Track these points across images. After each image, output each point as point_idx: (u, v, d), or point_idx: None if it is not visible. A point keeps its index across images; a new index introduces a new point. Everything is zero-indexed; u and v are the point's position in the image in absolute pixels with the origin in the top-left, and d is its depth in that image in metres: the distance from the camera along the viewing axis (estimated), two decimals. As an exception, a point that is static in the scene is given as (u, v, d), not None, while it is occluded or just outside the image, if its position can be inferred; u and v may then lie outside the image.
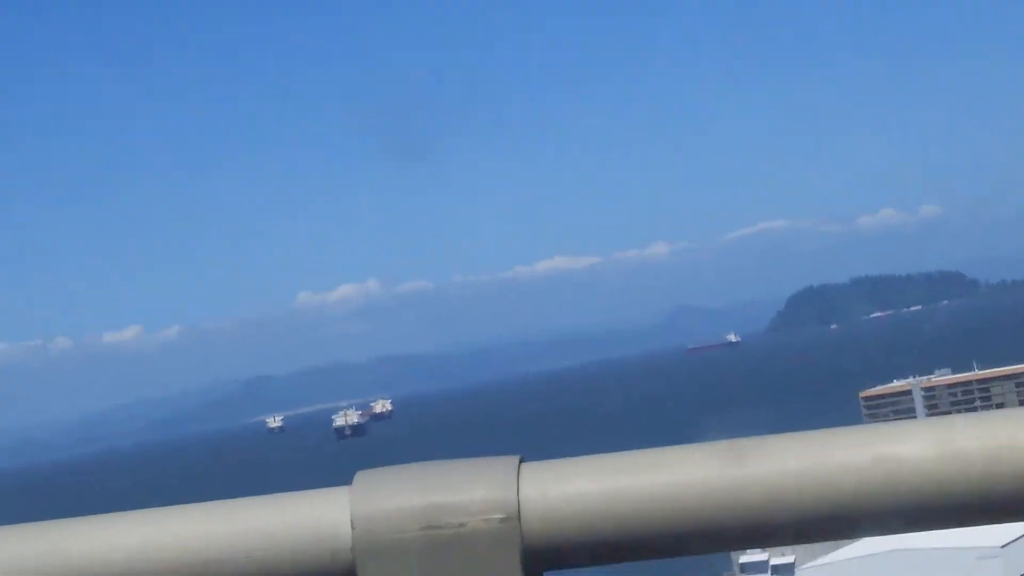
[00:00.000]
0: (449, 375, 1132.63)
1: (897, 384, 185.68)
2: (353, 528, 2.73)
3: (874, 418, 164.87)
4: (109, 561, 2.72)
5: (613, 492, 2.71)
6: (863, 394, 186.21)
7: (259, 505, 2.81)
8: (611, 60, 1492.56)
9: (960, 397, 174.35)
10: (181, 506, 2.82)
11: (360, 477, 2.79)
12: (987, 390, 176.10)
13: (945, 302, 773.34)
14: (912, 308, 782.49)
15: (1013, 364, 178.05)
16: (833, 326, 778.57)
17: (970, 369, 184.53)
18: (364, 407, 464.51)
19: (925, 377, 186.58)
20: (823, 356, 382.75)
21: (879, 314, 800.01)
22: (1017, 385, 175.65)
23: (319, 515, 2.76)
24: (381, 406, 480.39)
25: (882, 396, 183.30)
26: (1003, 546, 77.19)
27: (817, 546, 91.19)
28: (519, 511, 2.72)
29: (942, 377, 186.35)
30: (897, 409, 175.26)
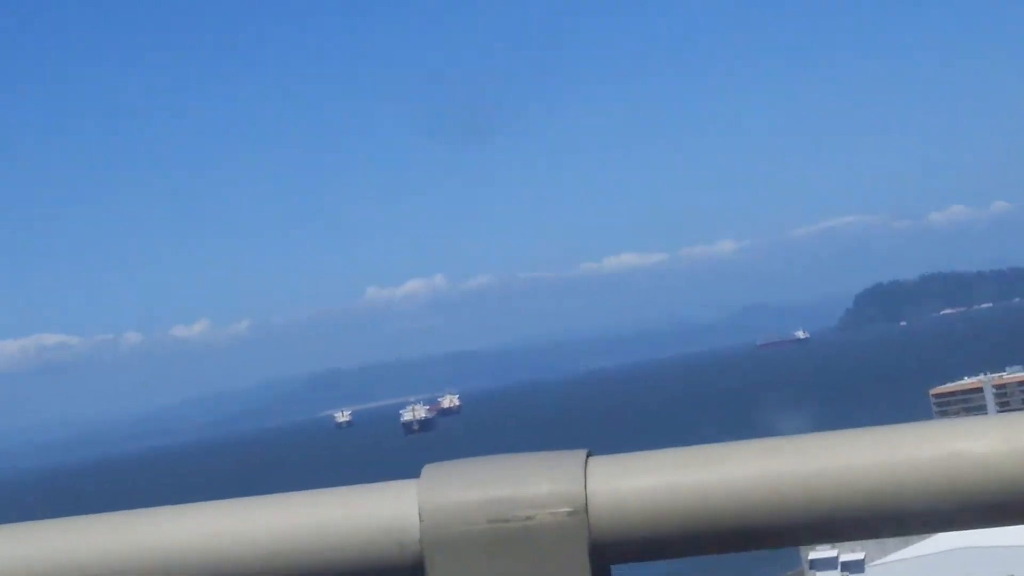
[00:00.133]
0: (516, 371, 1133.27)
1: (968, 381, 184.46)
2: (421, 520, 2.73)
3: (944, 415, 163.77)
4: (181, 551, 2.76)
5: (681, 486, 2.70)
6: (933, 391, 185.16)
7: (328, 497, 2.83)
8: (675, 53, 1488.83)
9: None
10: (251, 498, 2.86)
11: (428, 470, 2.80)
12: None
13: (1017, 299, 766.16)
14: (983, 305, 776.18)
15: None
16: (902, 323, 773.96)
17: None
18: (432, 402, 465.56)
19: (996, 374, 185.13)
20: (893, 353, 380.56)
21: (949, 311, 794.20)
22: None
23: (388, 507, 2.77)
24: (449, 401, 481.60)
25: (952, 393, 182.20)
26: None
27: (888, 542, 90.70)
28: (587, 505, 2.71)
29: (1014, 374, 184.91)
30: (968, 406, 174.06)
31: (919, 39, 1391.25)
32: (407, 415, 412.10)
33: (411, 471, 2.83)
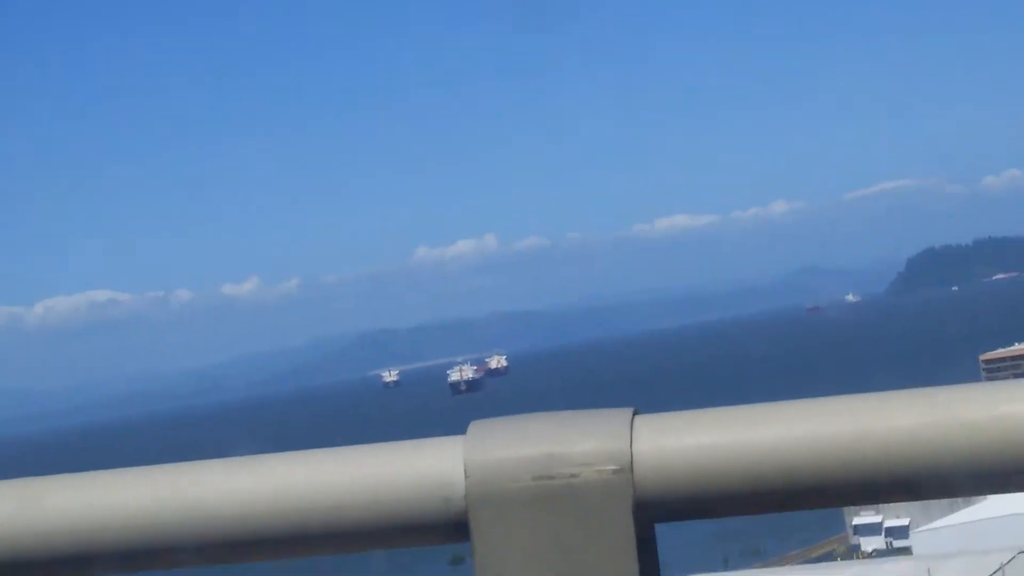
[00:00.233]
0: (565, 332, 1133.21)
1: (1018, 347, 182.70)
2: (467, 476, 2.73)
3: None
4: (233, 503, 2.80)
5: (726, 446, 2.68)
6: (983, 357, 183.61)
7: (375, 452, 2.84)
8: (730, 16, 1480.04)
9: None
10: (296, 452, 2.89)
11: (474, 427, 2.80)
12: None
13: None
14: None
15: None
16: (954, 288, 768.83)
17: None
18: (479, 362, 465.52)
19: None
20: (944, 318, 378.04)
21: (1001, 276, 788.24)
22: None
23: (434, 463, 2.77)
24: (496, 362, 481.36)
25: (1003, 359, 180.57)
26: None
27: (933, 508, 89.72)
28: (632, 463, 2.70)
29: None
30: (1018, 372, 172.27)
31: (974, 6, 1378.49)
32: (454, 375, 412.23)
33: (456, 431, 2.83)
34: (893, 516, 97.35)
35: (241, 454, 2.89)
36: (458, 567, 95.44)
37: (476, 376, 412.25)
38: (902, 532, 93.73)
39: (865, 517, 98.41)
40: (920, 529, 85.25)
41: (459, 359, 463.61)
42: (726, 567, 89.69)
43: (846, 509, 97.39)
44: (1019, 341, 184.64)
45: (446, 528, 2.78)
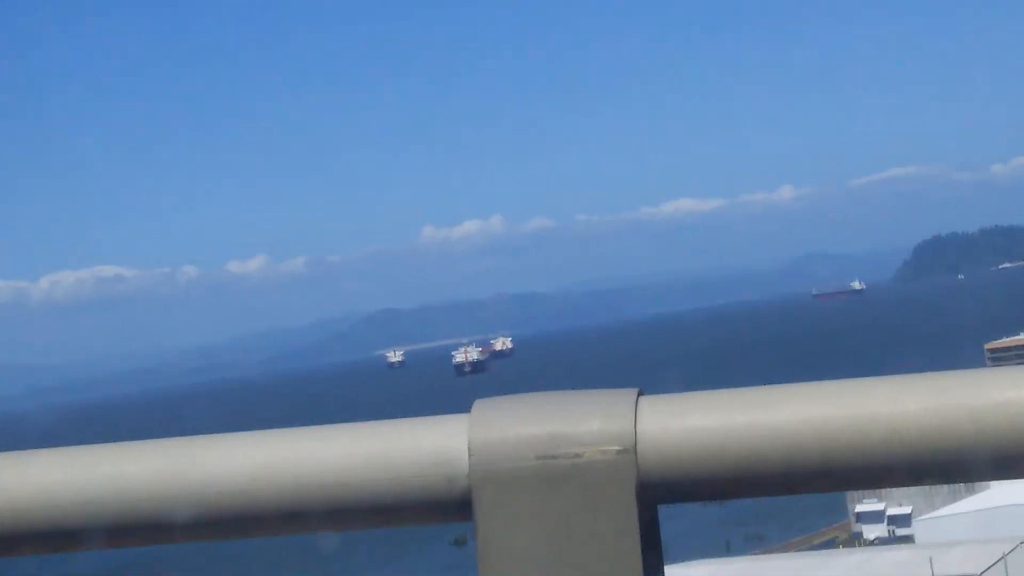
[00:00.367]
0: (571, 314, 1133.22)
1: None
2: (470, 455, 2.72)
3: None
4: (235, 478, 2.80)
5: (731, 427, 2.67)
6: (989, 345, 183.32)
7: (379, 429, 2.83)
8: (736, 5, 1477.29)
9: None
10: (300, 428, 2.87)
11: (479, 405, 2.79)
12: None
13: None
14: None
15: None
16: (961, 276, 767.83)
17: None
18: (485, 344, 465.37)
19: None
20: (950, 306, 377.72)
21: (1008, 265, 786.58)
22: None
23: (437, 441, 2.76)
24: (501, 343, 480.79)
25: (1008, 348, 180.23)
26: None
27: (935, 497, 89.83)
28: (636, 443, 2.68)
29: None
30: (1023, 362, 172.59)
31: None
32: (459, 356, 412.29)
33: (460, 413, 2.82)
34: (895, 504, 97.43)
35: (243, 431, 2.90)
36: (460, 548, 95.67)
37: (481, 358, 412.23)
38: (904, 520, 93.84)
39: (868, 505, 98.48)
40: (923, 517, 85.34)
41: (464, 340, 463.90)
42: (728, 552, 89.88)
43: (848, 496, 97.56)
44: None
45: (449, 506, 2.78)
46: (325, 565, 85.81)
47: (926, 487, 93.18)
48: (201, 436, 2.92)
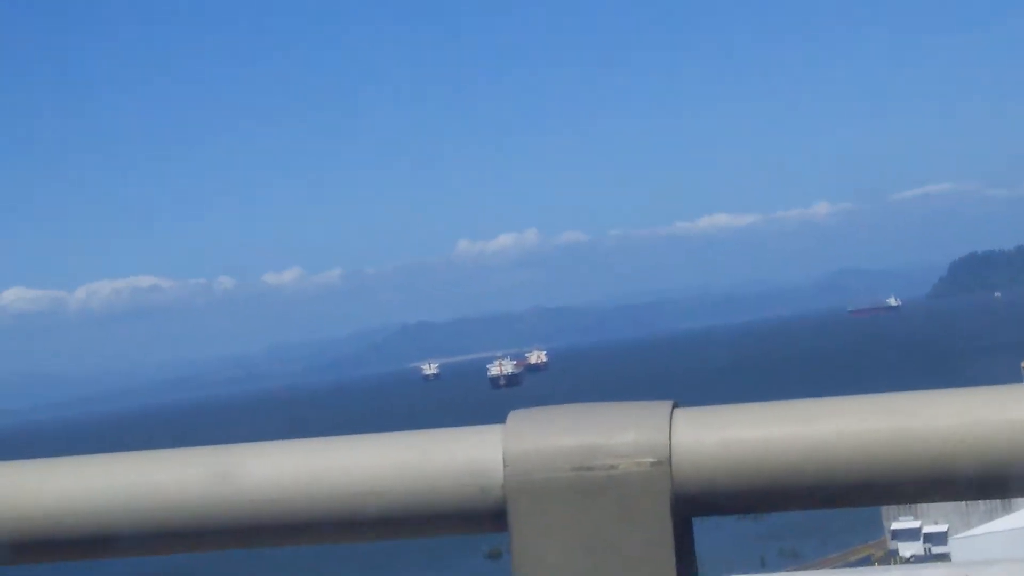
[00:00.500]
0: (605, 328, 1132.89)
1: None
2: (505, 466, 2.72)
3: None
4: (269, 485, 2.81)
5: (767, 440, 2.66)
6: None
7: (414, 439, 2.84)
8: (777, 14, 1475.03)
9: None
10: (334, 437, 2.88)
11: (514, 416, 2.80)
12: None
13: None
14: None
15: None
16: (997, 294, 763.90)
17: None
18: (519, 357, 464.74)
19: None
20: (986, 323, 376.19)
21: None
22: None
23: (472, 452, 2.76)
24: (536, 357, 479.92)
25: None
26: None
27: (972, 515, 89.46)
28: (671, 456, 2.69)
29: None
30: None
31: (1018, 5, 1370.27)
32: (494, 369, 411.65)
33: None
34: (931, 522, 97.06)
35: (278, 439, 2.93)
36: (495, 560, 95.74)
37: (516, 371, 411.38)
38: (940, 538, 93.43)
39: (903, 522, 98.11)
40: (959, 536, 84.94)
41: (499, 353, 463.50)
42: (763, 567, 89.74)
43: (884, 514, 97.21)
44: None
45: (484, 517, 2.78)
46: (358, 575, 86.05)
47: (962, 505, 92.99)
48: (236, 444, 2.93)
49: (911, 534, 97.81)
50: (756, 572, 70.06)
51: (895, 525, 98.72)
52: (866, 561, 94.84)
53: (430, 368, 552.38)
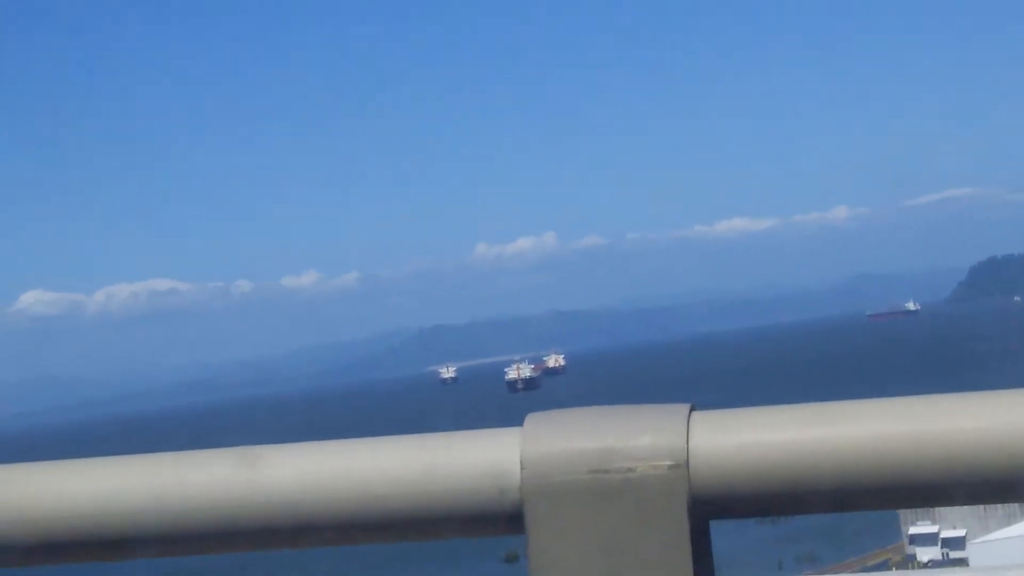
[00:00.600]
0: (623, 332, 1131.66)
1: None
2: (523, 468, 2.73)
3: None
4: (287, 487, 2.82)
5: (784, 443, 2.66)
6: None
7: (431, 442, 2.84)
8: (795, 18, 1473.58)
9: None
10: (352, 440, 2.89)
11: (531, 419, 2.80)
12: None
13: None
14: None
15: None
16: (1017, 298, 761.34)
17: None
18: (537, 361, 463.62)
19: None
20: (1005, 328, 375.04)
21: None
22: None
23: (490, 454, 2.77)
24: (554, 360, 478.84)
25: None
26: None
27: (990, 519, 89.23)
28: (688, 459, 2.69)
29: None
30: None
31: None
32: (512, 373, 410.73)
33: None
34: (949, 527, 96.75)
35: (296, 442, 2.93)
36: (512, 564, 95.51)
37: (533, 375, 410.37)
38: (959, 543, 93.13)
39: (921, 527, 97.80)
40: (977, 540, 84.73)
41: (516, 357, 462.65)
42: (780, 571, 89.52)
43: (902, 518, 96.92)
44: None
45: (500, 519, 2.78)
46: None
47: (980, 509, 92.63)
48: (255, 447, 2.93)
49: (929, 539, 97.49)
50: (774, 575, 70.00)
51: (913, 530, 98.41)
52: (884, 566, 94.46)
53: (448, 371, 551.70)
